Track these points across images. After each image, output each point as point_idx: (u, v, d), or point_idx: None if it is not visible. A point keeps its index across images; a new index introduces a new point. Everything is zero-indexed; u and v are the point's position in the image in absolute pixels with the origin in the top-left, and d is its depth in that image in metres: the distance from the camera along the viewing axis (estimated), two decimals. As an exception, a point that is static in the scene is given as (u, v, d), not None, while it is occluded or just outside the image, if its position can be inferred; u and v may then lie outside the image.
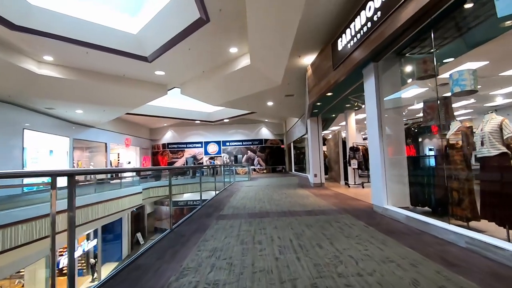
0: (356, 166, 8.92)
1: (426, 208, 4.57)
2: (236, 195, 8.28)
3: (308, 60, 7.58)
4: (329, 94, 6.93)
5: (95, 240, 15.22)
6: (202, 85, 11.34)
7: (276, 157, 24.23)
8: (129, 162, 22.21)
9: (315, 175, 10.08)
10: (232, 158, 23.53)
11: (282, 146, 24.49)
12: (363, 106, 8.39)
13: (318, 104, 8.09)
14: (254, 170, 23.43)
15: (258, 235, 3.63)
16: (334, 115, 10.82)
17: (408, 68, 4.61)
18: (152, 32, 8.75)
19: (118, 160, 22.75)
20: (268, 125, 24.34)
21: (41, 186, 13.41)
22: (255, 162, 23.58)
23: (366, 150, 9.24)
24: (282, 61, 7.84)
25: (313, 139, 10.22)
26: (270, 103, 13.08)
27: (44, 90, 10.37)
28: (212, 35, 7.99)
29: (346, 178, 10.37)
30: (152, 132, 24.53)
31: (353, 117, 9.75)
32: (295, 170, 20.88)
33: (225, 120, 21.82)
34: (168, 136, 24.08)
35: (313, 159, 10.14)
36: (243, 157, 23.53)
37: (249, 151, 23.65)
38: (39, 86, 9.95)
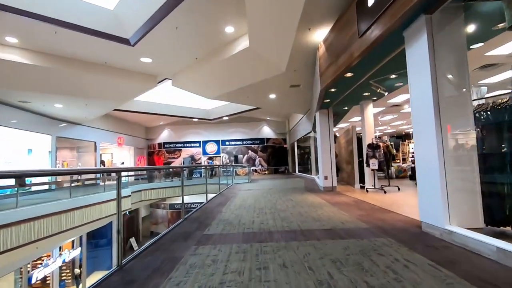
0: (376, 167, 7.35)
1: (509, 229, 3.03)
2: (231, 203, 6.74)
3: (320, 35, 6.04)
4: (349, 74, 5.38)
5: (79, 248, 13.70)
6: (195, 74, 9.82)
7: (279, 157, 22.67)
8: (123, 163, 20.73)
9: (326, 178, 8.53)
10: (232, 158, 21.99)
11: (284, 145, 22.93)
12: (385, 94, 6.83)
13: (332, 90, 6.53)
14: (255, 171, 21.88)
15: (256, 286, 2.09)
16: (346, 108, 9.26)
17: (482, 20, 3.05)
18: (131, 7, 7.24)
19: (112, 160, 21.30)
20: (270, 124, 22.79)
21: (16, 189, 11.98)
22: (256, 162, 22.03)
23: (387, 148, 7.67)
24: (287, 38, 6.29)
25: (323, 135, 8.66)
26: (272, 96, 11.53)
27: (11, 79, 8.88)
28: (203, 7, 6.47)
29: (362, 181, 8.80)
30: (148, 131, 23.05)
31: (370, 109, 8.18)
32: (299, 171, 19.32)
33: (224, 118, 20.30)
34: (165, 135, 22.59)
35: (323, 159, 8.59)
36: (243, 157, 21.98)
37: (250, 151, 22.11)
38: (3, 74, 8.47)
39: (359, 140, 8.84)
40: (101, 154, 22.74)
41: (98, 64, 9.54)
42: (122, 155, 21.04)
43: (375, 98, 7.94)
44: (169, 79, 11.37)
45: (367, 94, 7.40)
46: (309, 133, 14.79)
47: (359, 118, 12.60)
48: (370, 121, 8.17)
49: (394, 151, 8.39)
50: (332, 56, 5.55)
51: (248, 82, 9.56)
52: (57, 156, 14.04)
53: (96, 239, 16.10)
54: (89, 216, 9.78)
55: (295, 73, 8.78)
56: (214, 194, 8.93)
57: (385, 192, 7.16)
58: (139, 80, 10.70)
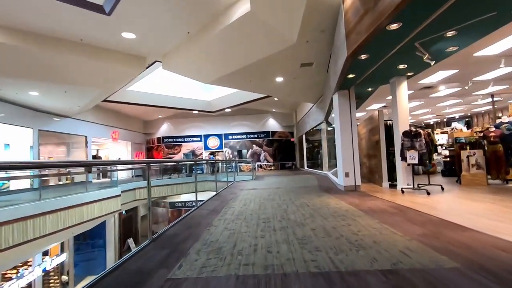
0: (415, 161, 5.62)
1: None
2: (228, 209, 5.10)
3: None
4: (394, 26, 3.65)
5: (65, 254, 12.28)
6: (188, 54, 8.16)
7: (285, 151, 20.97)
8: (119, 159, 19.28)
9: (347, 175, 6.83)
10: (236, 153, 20.36)
11: (292, 139, 21.20)
12: (432, 63, 5.07)
13: (362, 58, 4.81)
14: (261, 166, 20.24)
15: None
16: (370, 89, 7.50)
17: None
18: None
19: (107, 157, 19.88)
20: (276, 116, 21.06)
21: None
22: (262, 157, 20.37)
23: (428, 136, 5.94)
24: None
25: (343, 122, 6.95)
26: (279, 79, 9.79)
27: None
28: None
29: (391, 178, 7.09)
30: (146, 125, 21.53)
31: (404, 88, 6.42)
32: (308, 167, 17.61)
33: (227, 110, 18.65)
34: (164, 129, 21.05)
35: (343, 152, 6.89)
36: (247, 152, 20.34)
37: (254, 145, 20.44)
38: (-47, 51, 6.93)
39: (388, 128, 7.11)
40: (98, 150, 21.42)
41: (72, 41, 7.93)
42: (118, 150, 19.59)
43: (410, 73, 6.18)
44: (159, 61, 9.74)
45: (403, 66, 5.65)
46: (320, 124, 13.06)
47: (380, 104, 10.82)
48: (404, 103, 6.42)
49: (437, 140, 6.64)
50: (368, 1, 3.82)
51: (250, 59, 7.85)
52: (41, 152, 12.59)
53: (85, 243, 14.69)
54: (74, 218, 8.36)
55: (308, 46, 7.05)
56: (213, 193, 7.35)
57: (428, 194, 5.45)
58: (125, 62, 9.08)
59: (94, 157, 20.44)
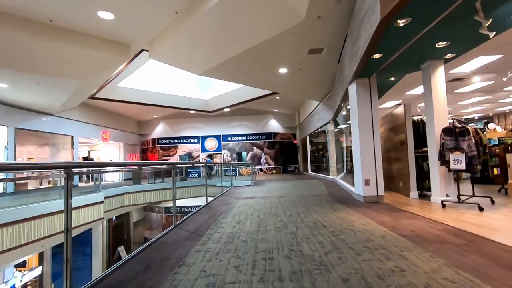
0: (462, 165, 4.26)
1: None
2: (214, 231, 3.73)
3: None
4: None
5: (40, 268, 10.91)
6: (177, 39, 6.85)
7: (288, 154, 19.62)
8: (111, 161, 17.97)
9: (367, 182, 5.48)
10: (235, 155, 19.02)
11: (294, 141, 19.86)
12: (491, 35, 3.73)
13: (400, 24, 3.48)
14: (261, 170, 18.88)
15: None
16: (393, 78, 6.15)
17: None
18: None
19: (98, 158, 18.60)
20: (278, 116, 19.73)
21: None
22: (262, 160, 19.01)
23: (476, 134, 4.58)
24: None
25: (362, 117, 5.61)
26: (283, 70, 8.46)
27: None
28: None
29: (420, 187, 5.73)
30: (141, 125, 20.24)
31: (441, 74, 5.08)
32: (312, 171, 16.25)
33: (226, 110, 17.35)
34: (159, 130, 19.75)
35: (362, 154, 5.54)
36: (247, 154, 18.99)
37: (254, 148, 19.09)
38: None
39: (418, 125, 5.78)
40: (89, 151, 20.15)
41: (40, 22, 6.64)
42: (110, 152, 18.29)
43: (450, 55, 4.84)
44: (146, 50, 8.46)
45: (444, 44, 4.31)
46: (326, 124, 11.72)
47: (395, 102, 9.48)
48: (441, 93, 5.06)
49: (486, 139, 5.29)
50: None
51: (250, 43, 6.53)
52: (19, 152, 11.30)
53: (73, 249, 13.30)
54: (42, 229, 7.09)
55: (319, 25, 5.73)
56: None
57: (481, 209, 4.09)
58: (105, 49, 7.79)
59: (85, 158, 19.19)
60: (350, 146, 11.08)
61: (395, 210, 4.54)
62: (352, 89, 5.86)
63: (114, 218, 16.08)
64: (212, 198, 6.67)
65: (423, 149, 5.77)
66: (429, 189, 5.64)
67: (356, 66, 5.07)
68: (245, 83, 9.82)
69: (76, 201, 8.58)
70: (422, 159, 5.76)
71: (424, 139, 5.81)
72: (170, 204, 18.31)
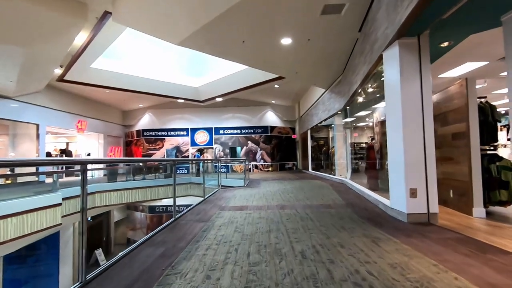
0: None
1: None
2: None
3: None
4: None
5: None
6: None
7: (286, 150, 17.73)
8: (89, 154, 15.93)
9: (413, 193, 3.60)
10: (228, 150, 17.08)
11: (293, 136, 17.97)
12: None
13: None
14: (256, 167, 16.99)
15: None
16: (447, 43, 4.21)
17: None
18: None
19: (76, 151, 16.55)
20: (276, 109, 17.79)
21: None
22: (258, 156, 17.09)
23: None
24: None
25: (406, 94, 3.71)
26: (286, 41, 6.46)
27: None
28: None
29: (486, 201, 3.88)
30: (126, 115, 18.18)
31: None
32: (312, 169, 14.40)
33: (218, 99, 15.37)
34: (145, 121, 17.70)
35: (406, 149, 3.66)
36: (241, 149, 17.06)
37: (249, 142, 17.16)
38: None
39: (482, 111, 3.91)
40: (68, 143, 18.05)
41: None
42: (89, 144, 16.23)
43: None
44: (109, 12, 6.46)
45: None
46: (333, 115, 9.83)
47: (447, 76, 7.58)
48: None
49: None
50: None
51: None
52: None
53: (34, 254, 11.27)
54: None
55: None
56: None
57: None
58: (54, 6, 5.79)
59: (63, 151, 17.11)
60: (367, 142, 9.23)
61: (477, 244, 2.67)
62: (391, 55, 3.95)
63: (89, 219, 14.12)
64: (185, 210, 4.75)
65: (492, 145, 3.92)
66: (501, 203, 3.80)
67: (405, 16, 3.16)
68: (237, 59, 7.80)
69: (19, 204, 6.65)
70: (489, 159, 3.90)
71: (493, 130, 3.95)
72: (156, 203, 16.37)
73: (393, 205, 4.01)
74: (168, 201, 15.91)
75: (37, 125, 11.69)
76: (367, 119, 8.10)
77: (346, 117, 9.00)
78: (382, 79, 4.48)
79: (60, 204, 7.92)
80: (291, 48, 6.69)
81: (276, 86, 13.59)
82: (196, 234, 3.30)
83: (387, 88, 4.19)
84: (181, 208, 12.09)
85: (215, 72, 14.00)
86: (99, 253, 14.75)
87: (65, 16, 6.10)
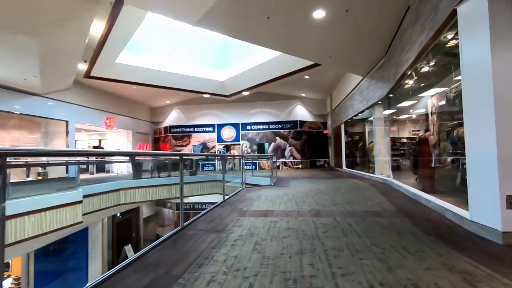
0: None
1: None
2: None
3: None
4: None
5: (10, 279, 8.98)
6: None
7: (317, 146, 16.51)
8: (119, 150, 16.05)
9: (511, 202, 2.47)
10: (255, 147, 16.27)
11: (325, 131, 16.68)
12: None
13: None
14: (285, 164, 15.99)
15: None
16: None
17: None
18: None
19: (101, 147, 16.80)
20: (306, 102, 16.61)
21: None
22: (287, 153, 16.06)
23: None
24: None
25: (498, 61, 2.57)
26: (319, 14, 5.42)
27: None
28: None
29: None
30: (154, 112, 18.12)
31: None
32: (347, 166, 13.10)
33: (244, 93, 14.60)
34: (172, 118, 17.47)
35: (499, 141, 2.52)
36: (269, 145, 16.16)
37: (278, 138, 16.19)
38: None
39: None
40: (100, 140, 18.43)
41: None
42: (118, 140, 16.35)
43: None
44: (122, -7, 5.87)
45: None
46: (373, 105, 8.56)
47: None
48: None
49: None
50: None
51: None
52: (-2, 139, 9.42)
53: (65, 249, 11.36)
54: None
55: None
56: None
57: None
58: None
59: (96, 148, 17.50)
60: (414, 135, 7.88)
61: None
62: (473, 10, 2.80)
63: (118, 215, 14.15)
64: (200, 214, 3.97)
65: None
66: None
67: None
68: (261, 41, 6.86)
69: (34, 202, 6.34)
70: None
71: None
72: (184, 200, 16.09)
73: (475, 218, 2.86)
74: (195, 198, 15.50)
75: (67, 122, 11.75)
76: (416, 109, 6.78)
77: (388, 107, 7.71)
78: (449, 51, 3.33)
79: (80, 202, 7.60)
80: (324, 23, 5.62)
81: (306, 77, 12.48)
82: (202, 252, 2.47)
83: (465, 60, 3.03)
84: (207, 206, 11.56)
85: (241, 65, 13.23)
86: (129, 249, 14.73)
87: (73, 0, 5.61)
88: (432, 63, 4.66)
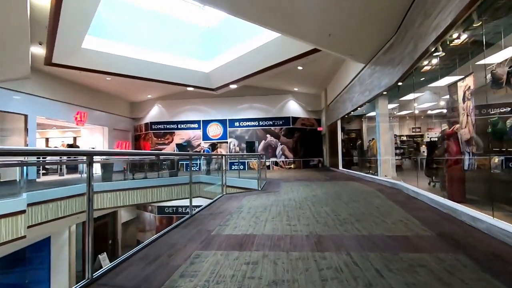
0: None
1: None
2: None
3: None
4: None
5: None
6: None
7: (310, 144, 15.25)
8: (94, 148, 14.44)
9: None
10: (244, 145, 14.89)
11: (319, 128, 15.43)
12: None
13: None
14: (276, 164, 14.68)
15: None
16: None
17: None
18: None
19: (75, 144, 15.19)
20: (299, 97, 15.32)
21: None
22: (278, 151, 14.74)
23: None
24: None
25: None
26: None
27: None
28: None
29: None
30: (134, 107, 16.54)
31: None
32: (343, 167, 11.87)
33: (232, 87, 13.22)
34: (154, 113, 15.95)
35: None
36: (259, 144, 14.81)
37: (268, 136, 14.85)
38: None
39: None
40: (75, 138, 16.77)
41: None
42: (93, 138, 14.74)
43: None
44: None
45: None
46: (377, 96, 7.29)
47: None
48: None
49: None
50: None
51: None
52: None
53: (22, 264, 9.78)
54: None
55: None
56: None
57: None
58: None
59: (70, 146, 15.81)
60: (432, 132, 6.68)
61: None
62: None
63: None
64: (141, 245, 2.58)
65: None
66: None
67: None
68: (246, 15, 5.48)
69: None
70: None
71: None
72: (165, 204, 14.62)
73: None
74: (177, 202, 14.03)
75: (26, 116, 10.14)
76: (436, 98, 5.53)
77: (397, 97, 6.45)
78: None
79: (23, 212, 6.10)
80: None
81: (299, 67, 11.19)
82: None
83: None
84: (194, 209, 10.12)
85: (228, 54, 11.82)
86: (103, 258, 13.15)
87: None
88: (474, 27, 3.37)
